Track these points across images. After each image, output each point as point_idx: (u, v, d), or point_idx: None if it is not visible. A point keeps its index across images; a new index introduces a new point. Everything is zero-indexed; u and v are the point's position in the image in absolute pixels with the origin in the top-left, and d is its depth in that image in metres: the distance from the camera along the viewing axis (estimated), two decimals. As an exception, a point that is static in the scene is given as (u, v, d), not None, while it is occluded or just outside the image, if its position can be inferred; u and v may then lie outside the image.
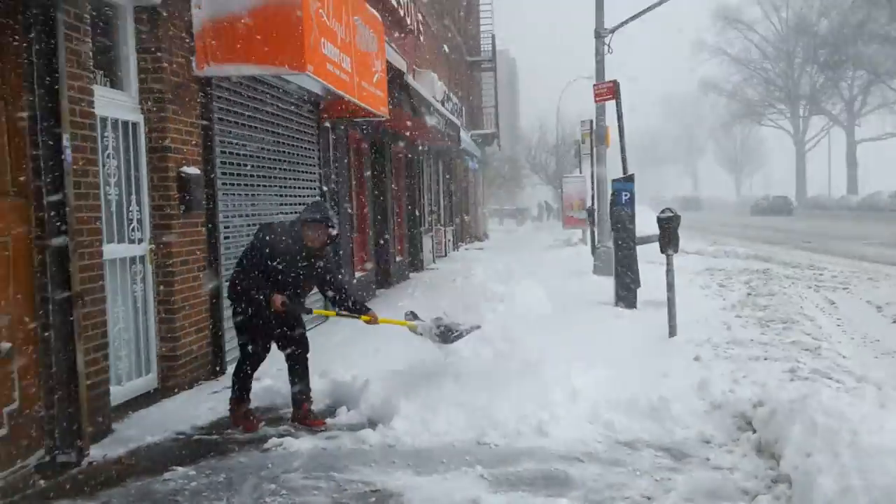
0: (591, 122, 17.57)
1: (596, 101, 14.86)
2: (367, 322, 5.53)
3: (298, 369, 5.53)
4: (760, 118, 70.56)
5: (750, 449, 4.60)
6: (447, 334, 5.55)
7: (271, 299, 5.15)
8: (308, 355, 5.59)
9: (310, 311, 5.65)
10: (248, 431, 5.30)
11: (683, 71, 73.46)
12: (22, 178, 4.55)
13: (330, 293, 5.56)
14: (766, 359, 6.83)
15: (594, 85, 14.72)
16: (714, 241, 24.60)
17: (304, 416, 5.47)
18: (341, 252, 10.92)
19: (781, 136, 72.21)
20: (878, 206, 47.56)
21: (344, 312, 5.55)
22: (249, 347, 5.41)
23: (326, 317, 5.61)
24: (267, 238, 5.29)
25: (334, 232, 5.38)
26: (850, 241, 23.19)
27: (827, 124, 63.96)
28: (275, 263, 5.22)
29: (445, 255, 21.34)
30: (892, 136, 55.96)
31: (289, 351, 5.53)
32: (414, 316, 5.76)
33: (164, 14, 6.21)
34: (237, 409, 5.46)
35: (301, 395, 5.50)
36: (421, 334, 5.59)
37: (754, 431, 4.77)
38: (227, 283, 5.61)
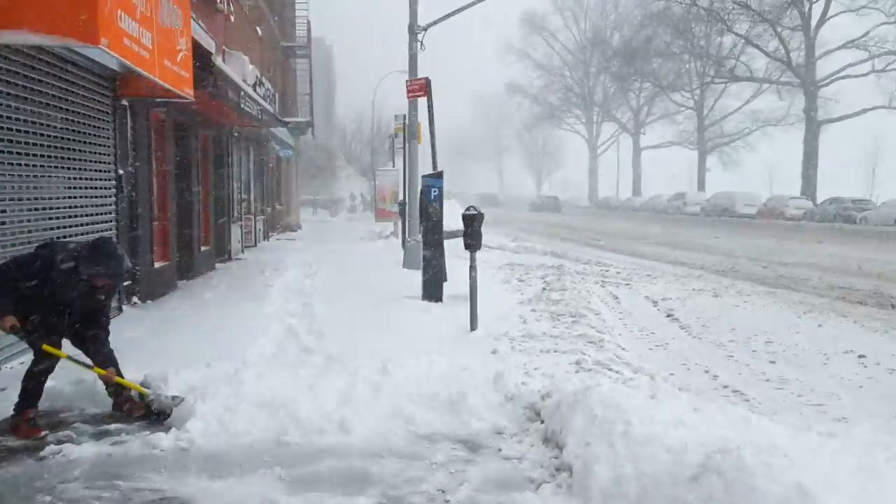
0: (405, 116, 17.82)
1: (408, 98, 15.10)
2: (101, 377, 5.24)
3: (102, 360, 5.23)
4: (559, 122, 75.25)
5: (538, 439, 4.90)
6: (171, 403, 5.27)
7: (2, 319, 4.77)
8: (109, 344, 5.33)
9: (39, 348, 5.01)
10: (32, 437, 4.82)
11: (493, 71, 76.56)
12: None
13: (90, 332, 5.23)
14: (555, 351, 7.31)
15: (407, 81, 14.95)
16: (515, 237, 25.90)
17: (123, 403, 5.29)
18: (140, 240, 10.28)
19: (578, 140, 77.46)
20: (658, 208, 52.46)
21: (77, 360, 5.18)
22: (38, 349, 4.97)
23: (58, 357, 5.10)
24: (53, 260, 4.89)
25: (118, 283, 5.08)
26: (633, 241, 25.38)
27: (617, 131, 69.47)
28: (48, 287, 4.85)
29: (255, 245, 20.74)
30: (673, 144, 61.79)
31: (87, 346, 5.23)
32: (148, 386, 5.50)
33: (-72, -31, 5.50)
34: (22, 415, 4.96)
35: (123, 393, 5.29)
36: (151, 399, 5.30)
37: (542, 422, 5.09)
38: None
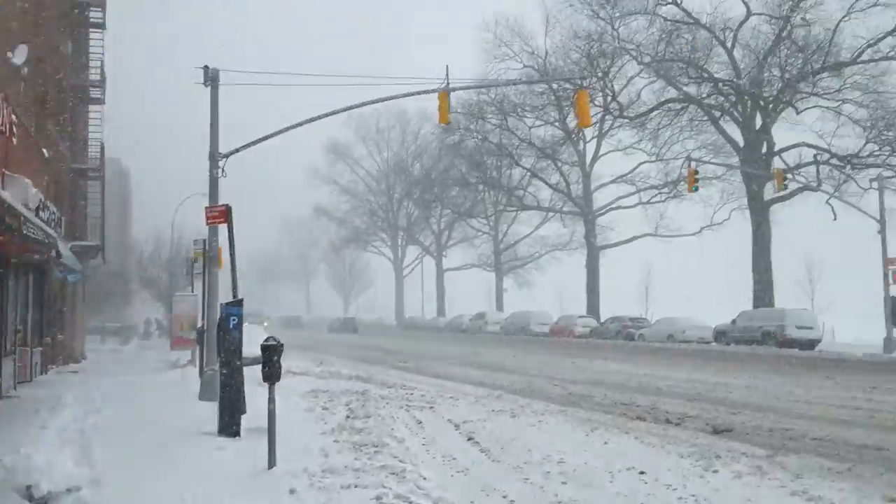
0: (205, 241, 17.49)
1: (208, 224, 14.92)
2: None
3: None
4: (366, 244, 77.04)
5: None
6: None
7: None
8: None
9: None
10: None
11: (300, 195, 77.39)
12: None
13: None
14: (356, 486, 7.27)
15: (206, 208, 14.81)
16: (321, 361, 25.62)
17: None
18: None
19: (385, 262, 79.37)
20: (461, 328, 54.40)
21: None
22: None
23: None
24: None
25: None
26: (438, 361, 26.02)
27: (421, 253, 72.18)
28: None
29: (31, 380, 18.85)
30: (473, 266, 65.11)
31: None
32: None
33: None
34: None
35: None
36: None
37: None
38: None
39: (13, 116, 14.45)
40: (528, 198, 52.89)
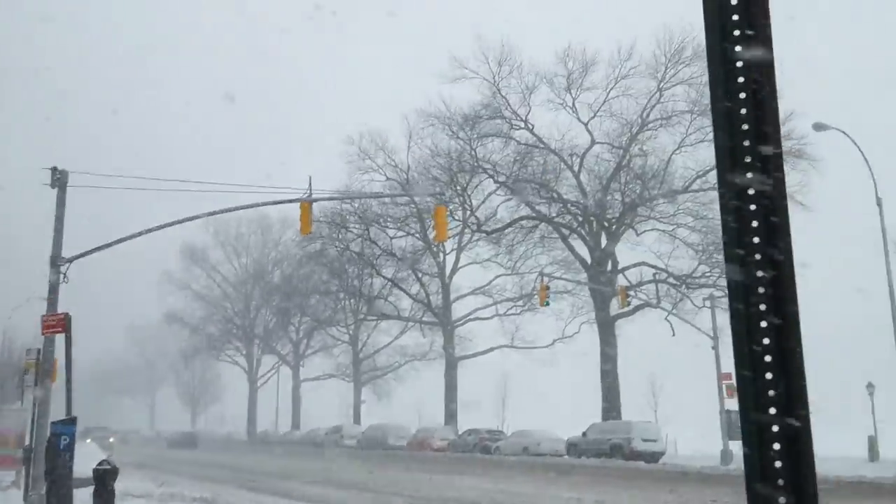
0: (38, 351, 16.35)
1: (44, 334, 14.04)
2: None
3: None
4: (219, 353, 73.97)
5: None
6: None
7: None
8: None
9: None
10: None
11: (150, 301, 73.82)
12: None
13: None
14: None
15: (43, 316, 13.98)
16: (163, 481, 23.92)
17: None
18: None
19: (237, 372, 76.18)
20: (317, 442, 52.63)
21: None
22: None
23: None
24: None
25: None
26: (291, 479, 24.99)
27: (277, 363, 70.01)
28: None
29: None
30: (330, 376, 63.79)
31: None
32: None
33: None
34: None
35: None
36: None
37: None
38: None
39: None
40: (389, 307, 53.21)
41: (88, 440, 43.98)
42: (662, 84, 38.51)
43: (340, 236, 48.86)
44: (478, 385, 55.98)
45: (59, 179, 15.93)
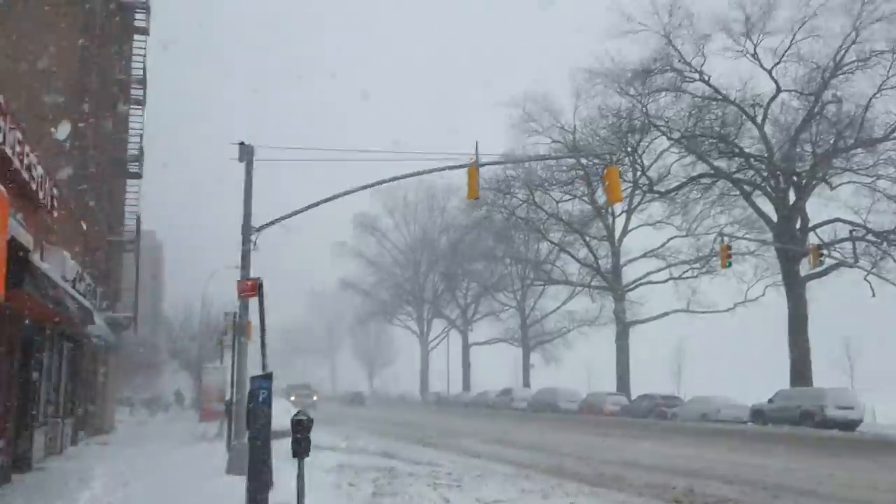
0: (235, 314, 17.62)
1: (239, 298, 15.05)
2: None
3: None
4: (391, 317, 76.92)
5: None
6: None
7: None
8: None
9: None
10: None
11: (327, 268, 78.08)
12: None
13: None
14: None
15: (238, 281, 14.97)
16: (347, 435, 25.31)
17: None
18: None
19: (410, 336, 79.03)
20: (487, 403, 53.60)
21: None
22: None
23: None
24: None
25: None
26: (464, 438, 25.55)
27: (447, 327, 71.77)
28: None
29: (61, 451, 18.81)
30: (499, 340, 64.51)
31: None
32: None
33: None
34: None
35: None
36: None
37: None
38: None
39: (54, 190, 14.89)
40: (556, 272, 52.74)
41: (292, 397, 46.29)
42: (858, 22, 34.81)
43: (505, 202, 48.89)
44: (651, 351, 54.44)
45: (246, 154, 16.95)
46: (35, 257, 11.79)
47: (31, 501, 11.06)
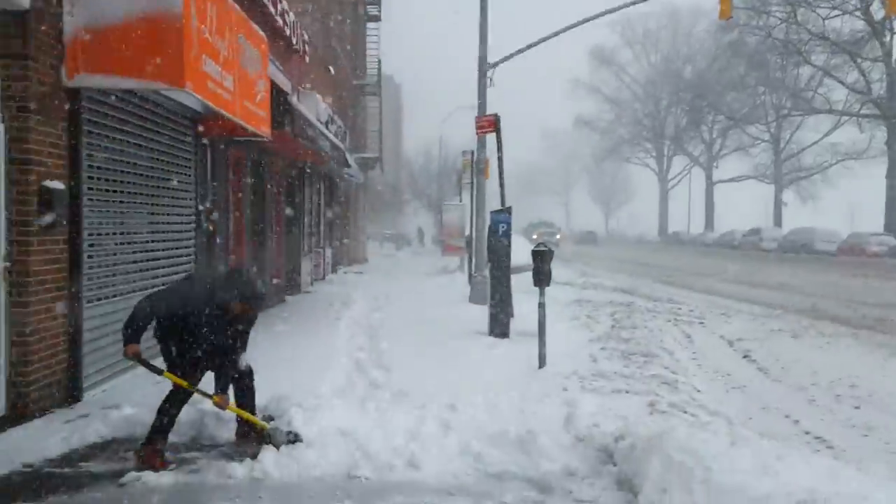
0: (472, 152, 17.96)
1: (477, 134, 15.21)
2: (215, 404, 5.26)
3: (246, 393, 5.50)
4: (629, 156, 74.57)
5: (611, 483, 4.80)
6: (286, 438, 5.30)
7: (127, 346, 4.96)
8: (253, 382, 5.58)
9: (161, 372, 5.20)
10: (158, 469, 4.90)
11: (561, 106, 76.73)
12: None
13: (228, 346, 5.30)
14: (627, 392, 7.16)
15: (476, 118, 15.06)
16: (583, 272, 25.61)
17: (244, 435, 5.49)
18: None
19: (648, 174, 76.52)
20: (732, 244, 51.15)
21: (195, 389, 5.23)
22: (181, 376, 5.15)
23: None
24: (191, 291, 5.17)
25: (256, 308, 5.29)
26: (706, 277, 24.76)
27: (689, 164, 68.32)
28: (194, 316, 5.06)
29: (324, 278, 21.09)
30: (747, 178, 60.33)
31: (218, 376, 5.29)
32: (269, 419, 5.70)
33: (33, 18, 5.87)
34: (152, 444, 5.05)
35: (246, 427, 5.50)
36: (269, 435, 5.31)
37: (615, 465, 4.98)
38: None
39: (305, 36, 15.69)
40: (818, 100, 47.25)
41: (534, 235, 45.84)
42: None
43: (761, 23, 43.84)
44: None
45: (479, -14, 16.54)
46: (293, 100, 12.68)
47: (307, 316, 12.55)
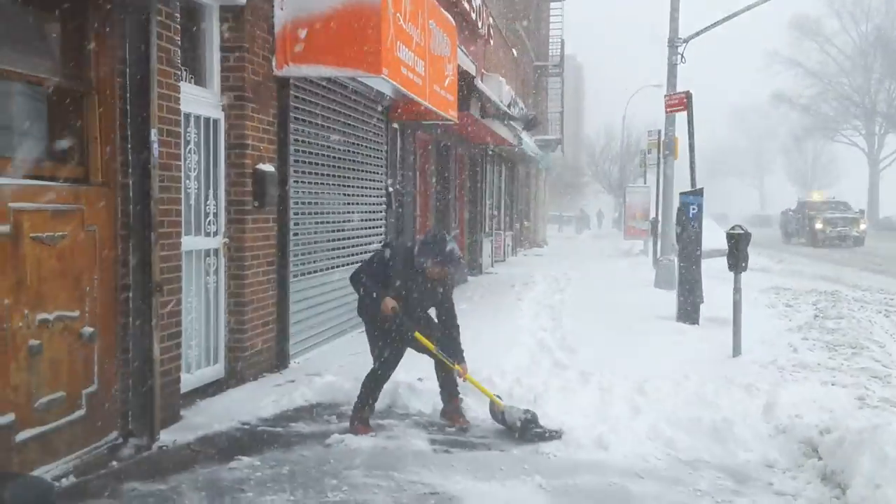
0: (660, 132, 17.36)
1: (667, 113, 14.67)
2: (455, 372, 5.42)
3: (445, 366, 5.49)
4: (834, 134, 68.45)
5: (815, 476, 4.50)
6: (527, 426, 5.18)
7: (383, 302, 5.17)
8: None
9: (413, 331, 5.33)
10: (364, 434, 5.22)
11: (754, 82, 71.90)
12: (111, 170, 4.76)
13: (442, 318, 5.51)
14: (833, 384, 6.65)
15: (665, 96, 14.53)
16: (780, 259, 23.99)
17: (454, 410, 5.52)
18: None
19: (855, 154, 69.88)
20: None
21: (440, 354, 5.39)
22: (383, 358, 5.38)
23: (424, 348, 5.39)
24: (391, 258, 5.36)
25: (453, 270, 5.43)
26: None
27: (904, 143, 61.66)
28: (396, 283, 5.28)
29: (504, 259, 21.33)
30: (973, 157, 53.54)
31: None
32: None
33: (249, 14, 6.39)
34: (360, 413, 5.36)
35: (448, 393, 5.54)
36: (502, 412, 5.34)
37: (820, 459, 4.66)
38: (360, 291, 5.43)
39: (490, 20, 15.85)
40: None
41: (817, 224, 32.64)
42: None
43: None
44: None
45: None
46: (478, 83, 12.88)
47: (490, 295, 12.77)
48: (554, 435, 5.15)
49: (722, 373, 6.67)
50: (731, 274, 7.94)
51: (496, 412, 5.42)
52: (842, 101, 64.84)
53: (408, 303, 5.31)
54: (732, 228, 8.01)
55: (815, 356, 8.01)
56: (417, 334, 5.30)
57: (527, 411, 5.28)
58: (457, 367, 5.43)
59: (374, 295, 5.22)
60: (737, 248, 7.76)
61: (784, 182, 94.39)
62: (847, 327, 10.13)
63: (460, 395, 5.60)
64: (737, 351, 7.75)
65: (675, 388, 5.99)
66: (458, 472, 4.54)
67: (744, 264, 7.87)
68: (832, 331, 9.80)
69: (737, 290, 7.89)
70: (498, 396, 5.54)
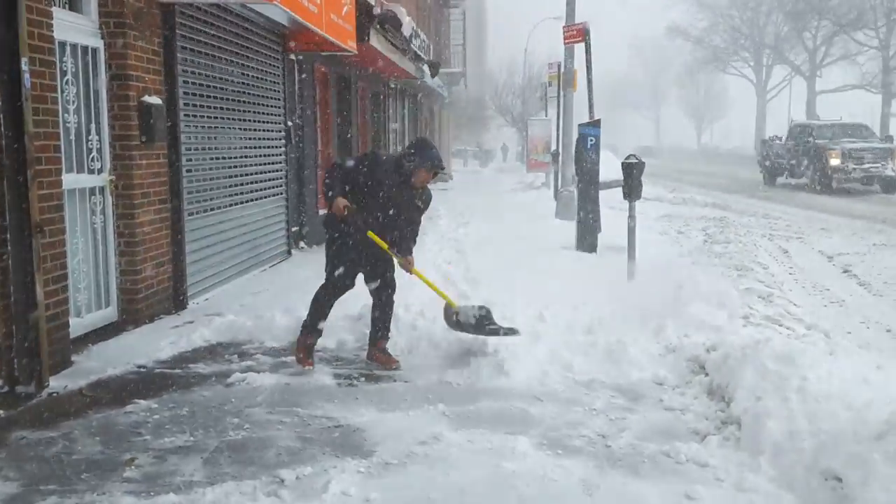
0: (559, 64, 17.46)
1: (565, 43, 14.73)
2: (400, 264, 5.31)
3: (382, 306, 5.40)
4: (725, 66, 70.80)
5: (702, 391, 4.77)
6: (482, 323, 5.21)
7: (335, 201, 4.97)
8: (394, 296, 5.46)
9: (366, 231, 5.11)
10: (304, 366, 5.16)
11: (652, 15, 73.13)
12: (-24, 103, 4.40)
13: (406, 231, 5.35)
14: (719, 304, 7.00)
15: (563, 27, 14.57)
16: (673, 188, 24.92)
17: (380, 352, 5.40)
18: (305, 188, 10.83)
19: (744, 86, 72.71)
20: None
21: (392, 251, 5.23)
22: (336, 273, 5.20)
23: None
24: (371, 164, 5.14)
25: (438, 172, 5.30)
26: (803, 191, 23.68)
27: (789, 74, 64.44)
28: (372, 188, 5.07)
29: (408, 193, 21.24)
30: (852, 87, 56.63)
31: (375, 286, 5.37)
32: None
33: (124, -66, 5.95)
34: (306, 340, 5.26)
35: (379, 333, 5.42)
36: (456, 313, 5.31)
37: (706, 375, 4.93)
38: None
39: (388, -54, 15.35)
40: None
41: (832, 159, 25.13)
42: None
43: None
44: None
45: None
46: (377, 12, 12.54)
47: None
48: (510, 331, 5.22)
49: (617, 297, 6.91)
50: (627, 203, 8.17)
51: (450, 315, 5.39)
52: (732, 32, 66.88)
53: (385, 216, 5.14)
54: (627, 158, 8.21)
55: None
56: (370, 233, 5.11)
57: (481, 308, 5.28)
58: (398, 259, 5.28)
59: (330, 194, 5.01)
60: (631, 177, 7.98)
61: (678, 115, 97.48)
62: (734, 251, 10.71)
63: (390, 336, 5.49)
64: (631, 277, 8.05)
65: (573, 313, 6.18)
66: (362, 405, 4.57)
67: (638, 192, 8.11)
68: (720, 255, 10.34)
69: (631, 217, 8.13)
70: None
